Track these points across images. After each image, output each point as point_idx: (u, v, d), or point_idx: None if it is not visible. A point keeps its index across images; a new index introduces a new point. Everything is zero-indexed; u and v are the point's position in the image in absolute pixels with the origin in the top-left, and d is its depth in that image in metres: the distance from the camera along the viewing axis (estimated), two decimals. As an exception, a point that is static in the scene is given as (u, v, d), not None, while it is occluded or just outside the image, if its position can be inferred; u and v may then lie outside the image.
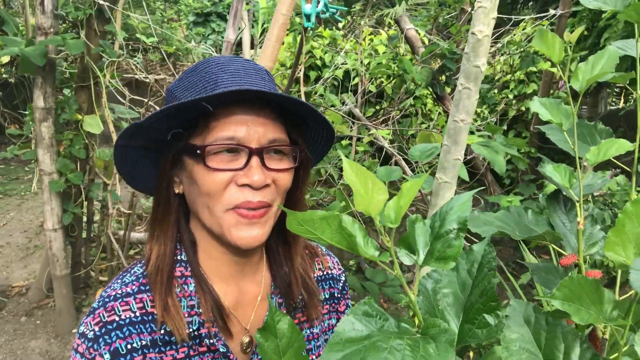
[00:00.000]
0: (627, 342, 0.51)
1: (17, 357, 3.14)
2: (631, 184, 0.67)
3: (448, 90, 3.64)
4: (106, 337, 0.73)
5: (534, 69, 5.16)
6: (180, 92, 0.78)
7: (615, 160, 0.69)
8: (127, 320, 0.75)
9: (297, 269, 0.88)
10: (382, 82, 4.68)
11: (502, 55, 4.83)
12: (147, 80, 3.74)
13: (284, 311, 0.87)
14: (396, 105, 4.24)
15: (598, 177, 0.66)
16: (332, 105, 3.65)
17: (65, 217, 3.26)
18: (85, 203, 3.45)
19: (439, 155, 1.32)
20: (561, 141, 0.67)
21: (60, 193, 3.22)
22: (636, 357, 0.47)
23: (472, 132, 2.61)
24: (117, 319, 0.74)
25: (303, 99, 2.37)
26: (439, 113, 5.04)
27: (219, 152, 0.74)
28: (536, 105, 0.64)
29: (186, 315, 0.77)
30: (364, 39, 5.19)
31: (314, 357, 0.91)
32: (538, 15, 4.19)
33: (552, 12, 3.86)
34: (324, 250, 1.02)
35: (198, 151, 0.73)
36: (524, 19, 4.18)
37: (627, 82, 0.63)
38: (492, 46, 4.47)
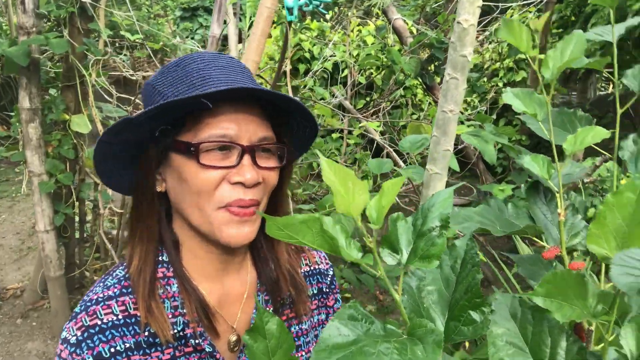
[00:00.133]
0: (613, 332, 0.51)
1: (14, 359, 3.13)
2: (621, 170, 0.67)
3: (438, 80, 3.63)
4: (89, 341, 0.73)
5: (522, 56, 5.17)
6: (165, 87, 0.76)
7: (597, 148, 0.69)
8: (110, 324, 0.74)
9: (284, 265, 0.88)
10: (371, 73, 4.66)
11: (490, 43, 4.83)
12: (135, 77, 3.70)
13: (271, 308, 0.87)
14: (386, 97, 4.23)
15: (577, 166, 0.66)
16: (322, 99, 3.64)
17: (57, 218, 3.24)
18: (76, 203, 3.42)
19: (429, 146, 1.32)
20: (539, 130, 0.67)
21: (51, 194, 3.19)
22: (622, 347, 0.47)
23: (462, 122, 2.61)
24: (99, 322, 0.74)
25: (290, 93, 2.36)
26: (430, 103, 5.04)
27: (211, 149, 0.73)
28: (509, 97, 0.64)
29: (170, 316, 0.77)
30: (352, 30, 5.16)
31: (303, 353, 0.91)
32: (525, 2, 4.19)
33: (539, -2, 3.86)
34: None
35: (192, 148, 0.72)
36: (510, 6, 4.18)
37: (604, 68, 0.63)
38: (480, 34, 4.46)
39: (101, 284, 0.79)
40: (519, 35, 0.60)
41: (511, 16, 4.77)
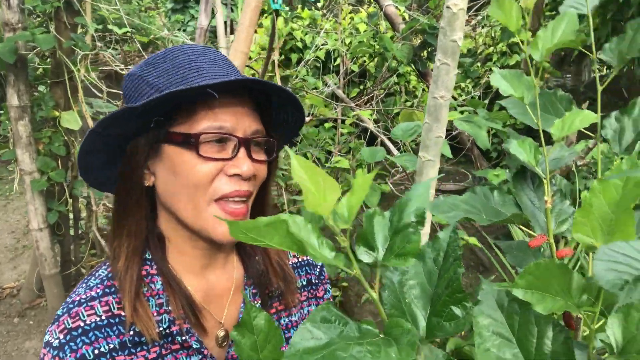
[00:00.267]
0: (598, 322, 0.50)
1: (12, 358, 3.13)
2: (613, 153, 0.65)
3: (431, 66, 3.60)
4: (72, 344, 0.71)
5: (516, 40, 5.13)
6: (155, 78, 0.74)
7: (586, 131, 0.67)
8: (93, 325, 0.73)
9: (273, 258, 0.88)
10: (364, 61, 4.62)
11: (483, 27, 4.79)
12: (125, 72, 3.66)
13: (259, 301, 0.86)
14: (379, 84, 4.19)
15: (566, 150, 0.64)
16: (315, 88, 3.61)
17: (50, 216, 3.22)
18: (70, 200, 3.40)
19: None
20: (520, 114, 0.65)
21: (43, 192, 3.17)
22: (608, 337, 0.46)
23: (455, 108, 2.59)
24: (81, 324, 0.73)
25: (279, 83, 2.33)
26: (423, 90, 5.00)
27: (208, 141, 0.72)
28: (496, 79, 0.62)
29: (155, 314, 0.76)
30: (344, 18, 5.11)
31: None
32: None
33: (531, -19, 3.81)
34: None
35: (192, 139, 0.71)
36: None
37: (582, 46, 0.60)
38: (472, 19, 4.42)
39: (84, 285, 0.78)
40: (509, 12, 0.58)
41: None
